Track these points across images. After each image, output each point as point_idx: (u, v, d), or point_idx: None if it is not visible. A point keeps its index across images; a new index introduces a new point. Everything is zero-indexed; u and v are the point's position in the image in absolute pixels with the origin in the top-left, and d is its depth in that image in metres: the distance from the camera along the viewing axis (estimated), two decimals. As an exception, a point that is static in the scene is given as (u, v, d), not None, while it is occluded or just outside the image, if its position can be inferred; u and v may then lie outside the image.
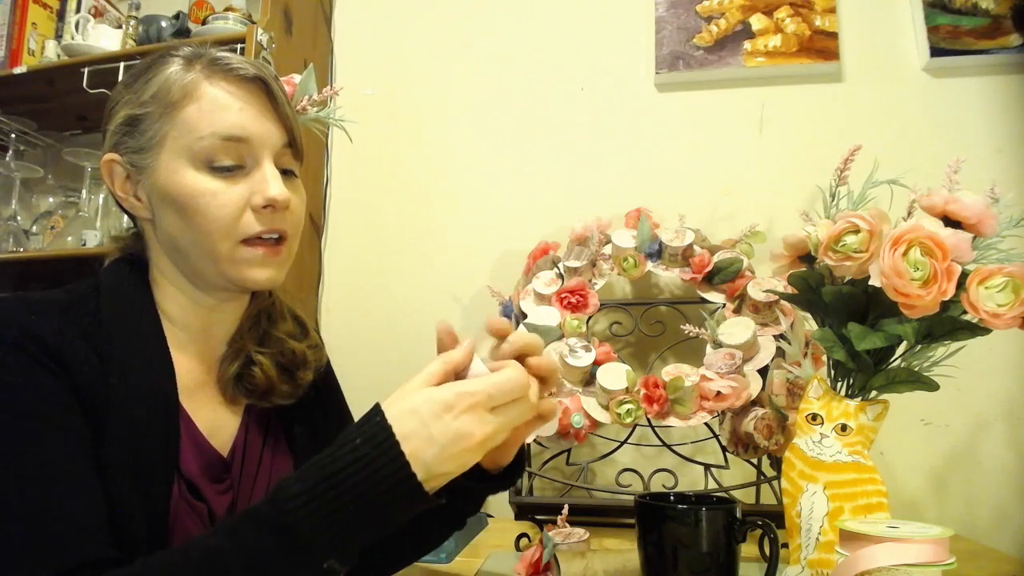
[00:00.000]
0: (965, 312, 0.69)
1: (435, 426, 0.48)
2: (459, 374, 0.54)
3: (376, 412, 0.50)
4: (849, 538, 0.60)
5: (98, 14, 1.59)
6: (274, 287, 0.70)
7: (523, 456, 0.70)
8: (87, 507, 0.53)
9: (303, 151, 0.69)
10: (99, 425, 0.57)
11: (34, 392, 0.55)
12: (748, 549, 0.72)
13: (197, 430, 0.65)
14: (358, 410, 0.88)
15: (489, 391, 0.50)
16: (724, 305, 1.14)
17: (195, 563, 0.48)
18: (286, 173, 0.67)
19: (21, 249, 1.59)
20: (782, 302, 1.06)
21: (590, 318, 1.16)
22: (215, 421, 0.68)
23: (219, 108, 0.62)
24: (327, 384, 0.83)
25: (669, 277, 1.34)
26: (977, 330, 0.71)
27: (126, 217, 0.74)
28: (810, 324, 1.02)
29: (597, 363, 1.05)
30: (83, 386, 0.57)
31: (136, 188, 0.66)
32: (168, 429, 0.61)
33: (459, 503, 0.70)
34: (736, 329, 1.04)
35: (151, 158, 0.63)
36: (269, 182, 0.63)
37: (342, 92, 1.59)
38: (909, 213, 0.80)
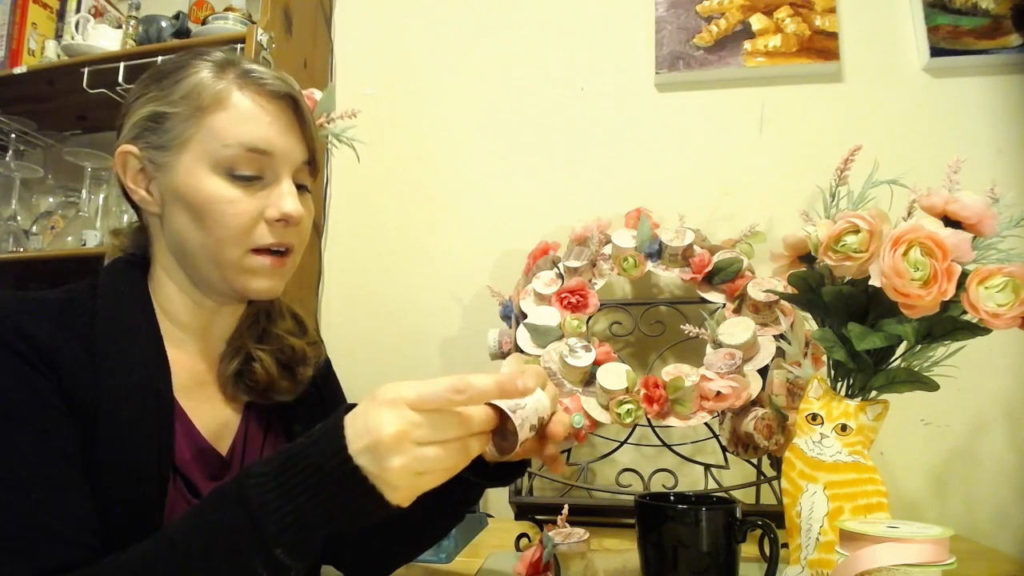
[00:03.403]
0: (965, 312, 0.69)
1: (361, 408, 0.47)
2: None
3: (345, 407, 0.49)
4: (849, 538, 0.60)
5: (98, 14, 1.59)
6: (273, 298, 0.70)
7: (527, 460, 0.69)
8: (63, 511, 0.53)
9: (320, 168, 0.70)
10: (89, 425, 0.57)
11: (18, 392, 0.55)
12: (748, 549, 0.72)
13: (195, 428, 0.66)
14: (358, 410, 0.89)
15: (419, 390, 0.47)
16: (724, 305, 1.14)
17: (162, 541, 0.48)
18: (300, 188, 0.69)
19: (21, 249, 1.59)
20: (782, 302, 1.06)
21: (590, 318, 1.16)
22: (214, 419, 0.68)
23: (248, 119, 0.64)
24: (327, 382, 0.83)
25: (669, 277, 1.34)
26: (977, 330, 0.71)
27: (125, 216, 0.74)
28: (810, 324, 1.02)
29: (597, 363, 1.05)
30: (72, 386, 0.57)
31: (149, 183, 0.66)
32: (161, 427, 0.61)
33: (455, 494, 0.69)
34: (736, 329, 1.04)
35: (171, 157, 0.64)
36: (286, 197, 0.65)
37: (342, 94, 1.60)
38: (909, 213, 0.80)
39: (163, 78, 0.66)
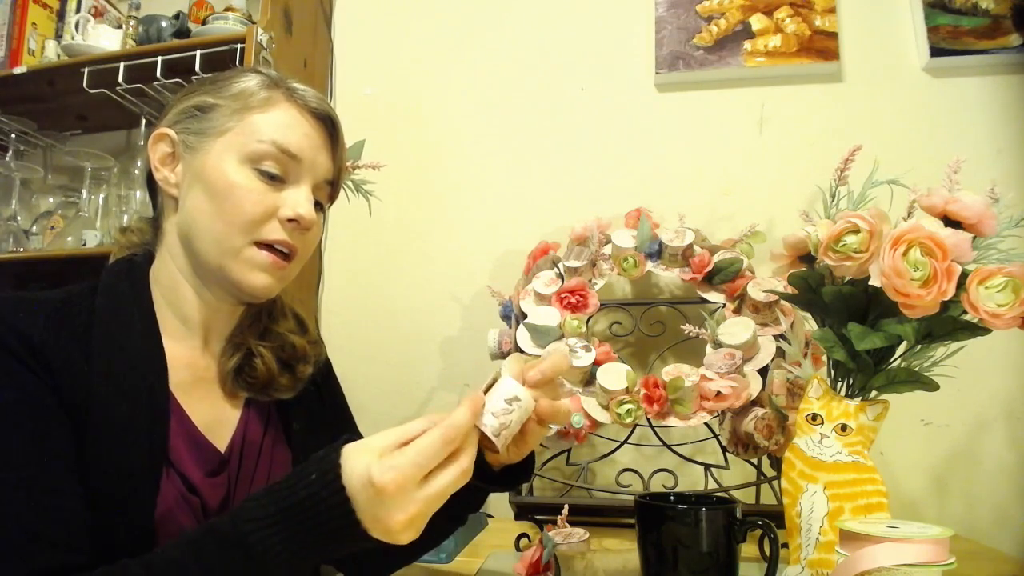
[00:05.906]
0: (965, 312, 0.69)
1: (364, 494, 0.48)
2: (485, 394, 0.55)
3: (335, 449, 0.50)
4: (849, 538, 0.60)
5: (98, 14, 1.59)
6: (267, 297, 0.71)
7: (532, 459, 0.69)
8: (55, 514, 0.53)
9: (338, 195, 0.76)
10: (82, 424, 0.57)
11: (12, 393, 0.55)
12: (748, 549, 0.72)
13: (192, 424, 0.66)
14: (358, 409, 0.89)
15: (417, 461, 0.48)
16: (724, 305, 1.14)
17: (155, 574, 0.49)
18: (316, 204, 0.71)
19: (21, 249, 1.59)
20: (782, 302, 1.06)
21: (590, 318, 1.15)
22: (213, 416, 0.68)
23: (287, 126, 0.68)
24: (327, 381, 0.83)
25: (669, 277, 1.34)
26: (977, 330, 0.71)
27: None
28: (810, 324, 1.02)
29: (597, 363, 1.05)
30: (66, 385, 0.57)
31: (176, 165, 0.69)
32: (155, 424, 0.61)
33: (461, 500, 0.70)
34: (736, 329, 1.04)
35: (206, 143, 0.67)
36: (302, 201, 0.68)
37: (342, 94, 1.61)
38: (909, 213, 0.80)
39: (218, 80, 0.71)
